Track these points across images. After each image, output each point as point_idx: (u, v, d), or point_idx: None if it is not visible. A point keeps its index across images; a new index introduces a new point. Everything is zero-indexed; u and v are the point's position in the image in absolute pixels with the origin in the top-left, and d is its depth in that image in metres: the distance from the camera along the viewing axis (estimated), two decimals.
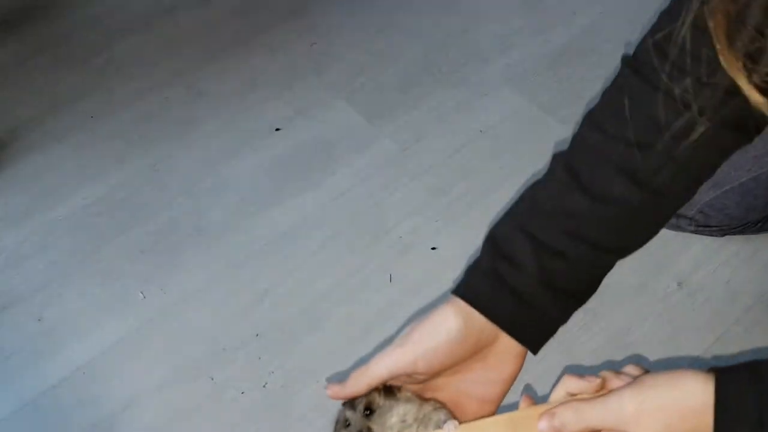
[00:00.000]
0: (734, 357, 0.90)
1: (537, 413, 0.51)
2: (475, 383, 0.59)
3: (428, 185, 1.13)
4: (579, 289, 0.58)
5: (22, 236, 1.13)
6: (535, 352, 0.58)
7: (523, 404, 0.54)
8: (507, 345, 0.57)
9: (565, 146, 0.60)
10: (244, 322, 1.00)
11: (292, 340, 0.98)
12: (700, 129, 0.53)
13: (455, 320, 0.55)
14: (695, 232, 0.99)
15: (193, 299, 1.03)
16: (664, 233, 1.02)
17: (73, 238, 1.12)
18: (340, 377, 0.93)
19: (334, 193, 1.14)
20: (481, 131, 1.19)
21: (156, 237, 1.11)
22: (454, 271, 1.02)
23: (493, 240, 0.58)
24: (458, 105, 1.24)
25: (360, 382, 0.56)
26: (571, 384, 0.52)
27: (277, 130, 1.24)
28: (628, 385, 0.49)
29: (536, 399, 0.55)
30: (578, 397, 0.52)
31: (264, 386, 0.93)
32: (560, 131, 1.15)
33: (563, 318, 0.58)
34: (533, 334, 0.58)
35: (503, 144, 1.17)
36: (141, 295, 1.04)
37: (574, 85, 1.24)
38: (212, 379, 0.95)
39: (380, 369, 0.55)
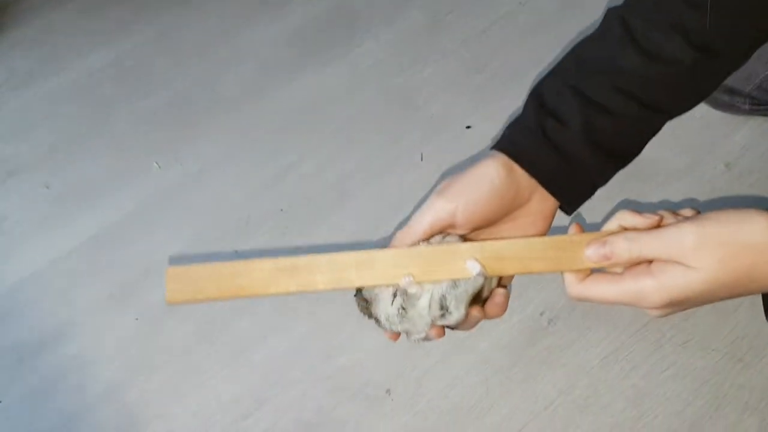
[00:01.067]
0: None
1: (585, 240, 0.48)
2: None
3: (462, 60, 1.06)
4: (623, 148, 0.56)
5: (27, 102, 1.05)
6: (569, 211, 0.57)
7: (571, 231, 0.51)
8: (540, 204, 0.56)
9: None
10: (267, 197, 0.95)
11: (318, 216, 0.93)
12: None
13: (499, 172, 0.53)
14: (749, 111, 0.93)
15: (211, 171, 0.97)
16: (713, 115, 0.98)
17: (81, 106, 1.04)
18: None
19: (361, 66, 1.06)
20: (520, 3, 1.10)
21: (169, 107, 1.04)
22: (489, 150, 0.96)
23: (538, 95, 0.56)
24: None
25: (404, 243, 0.54)
26: (626, 218, 0.49)
27: None
28: (690, 218, 0.46)
29: (586, 229, 0.52)
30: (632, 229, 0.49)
31: None
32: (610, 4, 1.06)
33: (603, 179, 0.57)
34: (571, 192, 0.56)
35: (545, 18, 1.08)
36: (156, 165, 0.98)
37: None
38: (236, 251, 0.90)
39: (421, 226, 0.53)
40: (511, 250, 0.49)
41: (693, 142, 0.94)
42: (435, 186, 0.53)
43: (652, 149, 0.95)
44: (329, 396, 0.79)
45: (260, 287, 0.48)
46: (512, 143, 0.54)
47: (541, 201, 0.55)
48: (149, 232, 0.92)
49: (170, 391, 0.80)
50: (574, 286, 0.49)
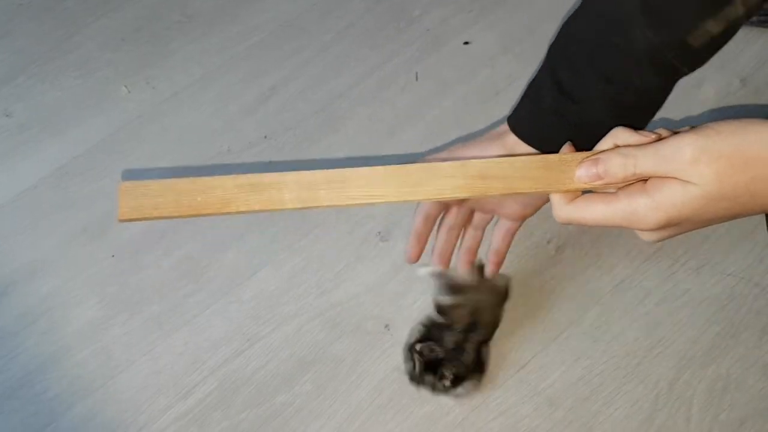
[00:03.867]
0: None
1: (577, 159, 0.45)
2: (518, 198, 0.63)
3: None
4: (649, 110, 0.56)
5: None
6: None
7: (564, 150, 0.48)
8: None
9: None
10: (249, 122, 0.87)
11: (307, 143, 0.86)
12: None
13: (497, 154, 0.58)
14: (759, 23, 0.88)
15: (187, 95, 0.89)
16: None
17: (40, 24, 0.94)
18: None
19: None
20: None
21: (137, 23, 0.94)
22: (490, 67, 0.89)
23: (555, 73, 0.55)
24: None
25: None
26: (621, 136, 0.45)
27: None
28: (689, 130, 0.43)
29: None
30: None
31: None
32: None
33: None
34: None
35: None
36: (125, 89, 0.89)
37: None
38: None
39: None
40: (495, 169, 0.46)
41: None
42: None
43: None
44: (325, 332, 0.74)
45: (221, 205, 0.45)
46: (526, 128, 0.57)
47: None
48: (121, 161, 0.84)
49: (154, 330, 0.75)
50: (563, 207, 0.46)
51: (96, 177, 0.84)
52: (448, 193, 0.45)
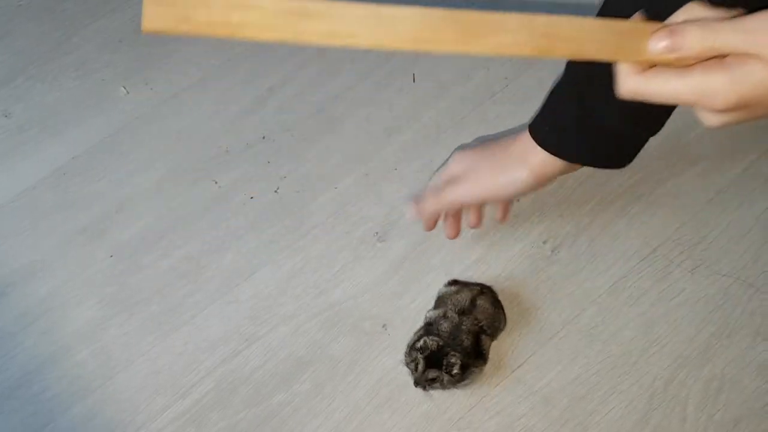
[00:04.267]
0: None
1: (651, 28, 0.40)
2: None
3: None
4: (664, 111, 0.60)
5: None
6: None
7: (635, 18, 0.43)
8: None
9: None
10: (247, 123, 0.87)
11: (304, 144, 0.86)
12: None
13: (526, 177, 0.63)
14: None
15: (185, 96, 0.89)
16: None
17: (40, 25, 0.94)
18: (368, 183, 0.83)
19: None
20: None
21: (136, 25, 0.94)
22: (485, 69, 0.90)
23: (579, 91, 0.59)
24: None
25: (431, 206, 0.69)
26: (696, 11, 0.41)
27: None
28: None
29: None
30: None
31: (276, 191, 0.83)
32: None
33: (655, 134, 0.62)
34: (629, 158, 0.63)
35: None
36: (124, 90, 0.90)
37: None
38: (216, 182, 0.83)
39: (452, 199, 0.67)
40: (563, 29, 0.40)
41: None
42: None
43: None
44: (322, 332, 0.75)
45: (255, 29, 0.39)
46: (551, 143, 0.61)
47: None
48: (120, 162, 0.85)
49: (152, 330, 0.75)
50: (631, 78, 0.41)
51: (95, 177, 0.84)
52: (510, 49, 0.40)
